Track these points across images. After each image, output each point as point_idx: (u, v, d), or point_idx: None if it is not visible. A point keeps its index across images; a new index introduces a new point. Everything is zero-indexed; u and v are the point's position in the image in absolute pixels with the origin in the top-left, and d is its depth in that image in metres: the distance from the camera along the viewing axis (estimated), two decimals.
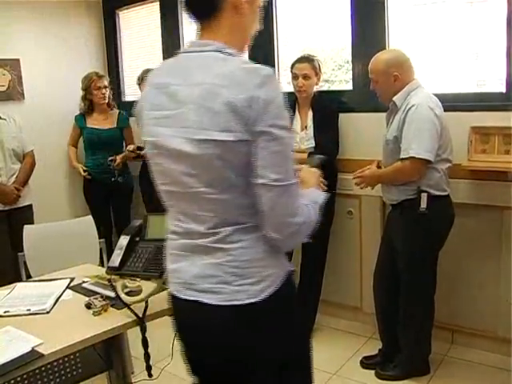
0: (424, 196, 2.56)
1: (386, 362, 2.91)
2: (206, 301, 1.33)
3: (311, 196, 1.43)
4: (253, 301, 1.31)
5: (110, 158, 4.01)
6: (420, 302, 2.75)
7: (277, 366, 1.41)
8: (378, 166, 2.78)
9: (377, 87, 2.66)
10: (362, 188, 2.80)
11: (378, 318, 2.95)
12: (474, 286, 3.04)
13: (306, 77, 3.07)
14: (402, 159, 2.53)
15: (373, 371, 2.90)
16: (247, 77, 1.23)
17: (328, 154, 3.17)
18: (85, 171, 4.09)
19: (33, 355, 1.65)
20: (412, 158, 2.48)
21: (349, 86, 3.43)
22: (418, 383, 2.79)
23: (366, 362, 2.98)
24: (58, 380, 2.23)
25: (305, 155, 3.12)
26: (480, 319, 3.04)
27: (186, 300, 1.38)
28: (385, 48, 3.07)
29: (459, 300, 3.09)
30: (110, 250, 3.19)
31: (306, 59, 3.11)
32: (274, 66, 3.68)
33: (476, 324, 3.06)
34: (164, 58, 4.32)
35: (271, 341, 1.36)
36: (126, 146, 4.15)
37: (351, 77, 3.36)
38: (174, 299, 1.45)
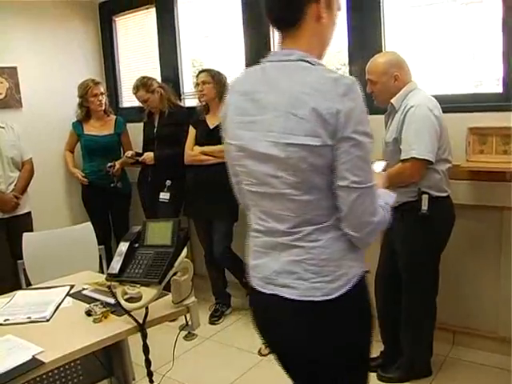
0: (425, 198, 2.55)
1: (387, 364, 2.90)
2: (284, 295, 1.42)
3: (384, 197, 1.51)
4: (327, 298, 1.39)
5: (109, 164, 4.01)
6: (422, 304, 2.75)
7: (343, 364, 1.47)
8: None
9: (375, 89, 2.65)
10: None
11: (380, 321, 2.94)
12: (474, 286, 3.04)
13: None
14: (403, 160, 2.53)
15: (374, 373, 2.89)
16: (331, 86, 1.30)
17: None
18: (83, 176, 4.09)
19: (33, 363, 1.65)
20: (413, 158, 2.48)
21: None
22: None
23: None
24: None
25: None
26: (481, 320, 3.04)
27: (265, 294, 1.47)
28: (381, 50, 3.08)
29: (460, 301, 3.09)
30: (109, 256, 3.19)
31: None
32: None
33: (477, 325, 3.06)
34: (161, 64, 4.34)
35: (340, 339, 1.44)
36: (124, 152, 4.15)
37: None
38: (255, 293, 1.52)
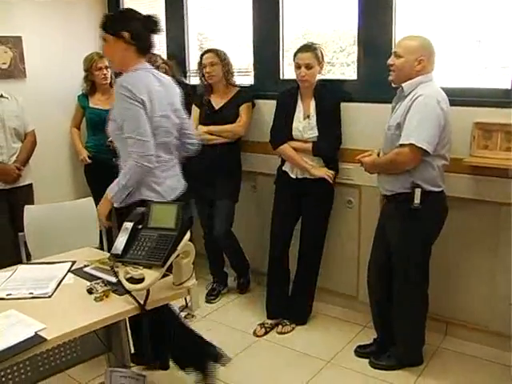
0: (418, 191, 2.56)
1: (380, 351, 2.94)
2: None
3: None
4: None
5: (110, 139, 3.99)
6: (413, 294, 2.78)
7: None
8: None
9: (397, 62, 2.60)
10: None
11: (373, 309, 2.98)
12: (470, 279, 3.07)
13: (308, 66, 3.05)
14: (402, 145, 2.53)
15: (367, 360, 2.94)
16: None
17: (331, 144, 3.19)
18: (89, 157, 4.07)
19: (36, 340, 1.68)
20: (411, 145, 2.48)
21: (350, 70, 3.45)
22: (412, 373, 2.83)
23: (361, 351, 3.02)
24: (58, 362, 2.27)
25: (308, 145, 3.14)
26: (474, 312, 3.08)
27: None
28: (391, 33, 3.10)
29: (455, 292, 3.13)
30: (109, 232, 3.20)
31: (309, 48, 3.08)
32: (278, 48, 3.67)
33: (470, 317, 3.10)
34: (167, 40, 4.30)
35: None
36: None
37: (354, 61, 3.37)
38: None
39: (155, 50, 3.94)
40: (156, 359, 2.88)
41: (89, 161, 4.05)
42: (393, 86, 2.70)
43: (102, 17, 2.43)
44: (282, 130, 3.21)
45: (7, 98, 3.54)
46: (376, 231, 2.93)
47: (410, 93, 2.58)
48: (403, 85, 2.61)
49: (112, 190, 2.53)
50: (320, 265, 3.38)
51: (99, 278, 2.13)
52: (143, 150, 2.39)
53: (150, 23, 2.46)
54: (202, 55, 3.58)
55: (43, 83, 4.14)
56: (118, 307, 1.93)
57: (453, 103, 2.63)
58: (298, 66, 3.08)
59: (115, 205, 2.56)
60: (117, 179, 2.51)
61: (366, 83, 3.24)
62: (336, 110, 3.20)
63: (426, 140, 2.47)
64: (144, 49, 2.46)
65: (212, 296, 3.76)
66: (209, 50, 3.56)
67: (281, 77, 3.70)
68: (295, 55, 3.11)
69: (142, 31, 2.42)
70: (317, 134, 3.12)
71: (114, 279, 2.01)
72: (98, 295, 1.98)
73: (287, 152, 3.18)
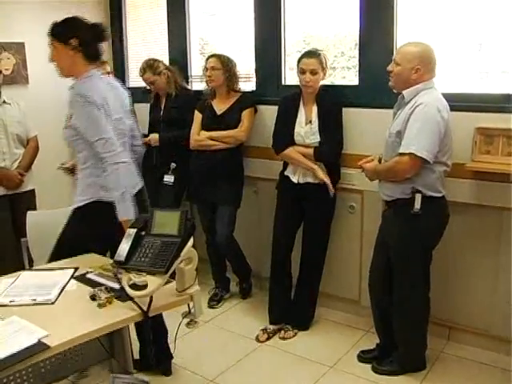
0: (418, 197, 2.57)
1: (383, 356, 2.94)
2: None
3: None
4: None
5: None
6: (414, 300, 2.77)
7: None
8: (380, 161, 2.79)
9: (395, 69, 2.61)
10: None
11: (374, 315, 2.97)
12: (472, 283, 3.07)
13: (313, 72, 3.07)
14: (401, 154, 2.53)
15: (370, 365, 2.94)
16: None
17: (333, 149, 3.19)
18: None
19: (39, 347, 1.67)
20: (411, 154, 2.49)
21: (351, 74, 3.47)
22: (414, 379, 2.83)
23: (364, 356, 3.01)
24: (60, 368, 2.26)
25: (309, 150, 3.14)
26: (476, 317, 3.08)
27: None
28: (393, 35, 3.11)
29: (457, 297, 3.13)
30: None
31: (314, 54, 3.10)
32: (279, 54, 3.68)
33: (472, 321, 3.10)
34: (169, 44, 4.32)
35: None
36: None
37: (354, 65, 3.38)
38: None
39: (158, 56, 4.00)
40: (158, 365, 2.89)
41: None
42: (394, 91, 2.71)
43: (50, 24, 2.51)
44: (284, 135, 3.21)
45: (9, 103, 3.55)
46: (377, 236, 2.93)
47: (410, 100, 2.58)
48: (404, 92, 2.61)
49: (120, 212, 2.41)
50: (323, 270, 3.38)
51: (102, 285, 2.13)
52: (114, 148, 2.43)
53: (97, 31, 2.55)
54: (206, 59, 3.59)
55: (45, 89, 4.15)
56: (121, 314, 1.92)
57: (454, 108, 2.64)
58: (302, 72, 3.09)
59: (77, 205, 2.60)
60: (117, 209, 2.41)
61: (367, 89, 3.25)
62: (338, 115, 3.20)
63: (426, 149, 2.48)
64: (92, 56, 2.53)
65: (214, 301, 3.77)
66: (213, 55, 3.57)
67: (282, 82, 3.71)
68: (299, 61, 3.12)
69: (90, 39, 2.51)
70: (318, 139, 3.12)
71: (117, 286, 2.01)
72: (101, 302, 1.98)
73: (292, 155, 3.18)
